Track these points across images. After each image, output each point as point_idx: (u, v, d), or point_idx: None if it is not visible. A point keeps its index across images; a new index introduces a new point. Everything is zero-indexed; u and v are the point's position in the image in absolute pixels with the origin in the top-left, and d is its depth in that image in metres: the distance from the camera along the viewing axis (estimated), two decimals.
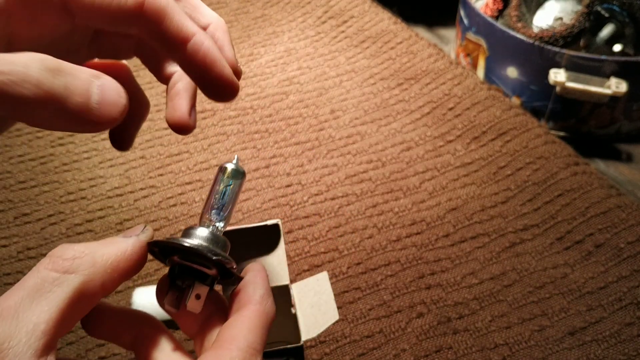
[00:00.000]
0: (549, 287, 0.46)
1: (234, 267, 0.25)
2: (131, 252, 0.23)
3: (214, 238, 0.25)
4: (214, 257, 0.24)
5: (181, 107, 0.26)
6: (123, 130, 0.29)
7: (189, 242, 0.24)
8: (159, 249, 0.25)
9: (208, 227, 0.26)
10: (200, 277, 0.25)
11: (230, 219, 0.27)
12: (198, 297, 0.24)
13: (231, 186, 0.26)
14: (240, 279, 0.25)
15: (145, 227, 0.25)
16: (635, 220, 0.48)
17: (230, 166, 0.26)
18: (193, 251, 0.24)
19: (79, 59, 0.27)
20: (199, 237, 0.25)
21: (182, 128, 0.27)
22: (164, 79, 0.28)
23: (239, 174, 0.27)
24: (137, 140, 0.58)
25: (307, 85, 0.64)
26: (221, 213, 0.26)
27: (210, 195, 0.26)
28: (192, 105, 0.27)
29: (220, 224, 0.26)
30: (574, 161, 0.53)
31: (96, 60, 0.29)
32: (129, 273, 0.24)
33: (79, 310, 0.22)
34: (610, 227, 0.48)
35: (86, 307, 0.22)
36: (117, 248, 0.23)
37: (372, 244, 0.49)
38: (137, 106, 0.30)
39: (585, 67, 0.56)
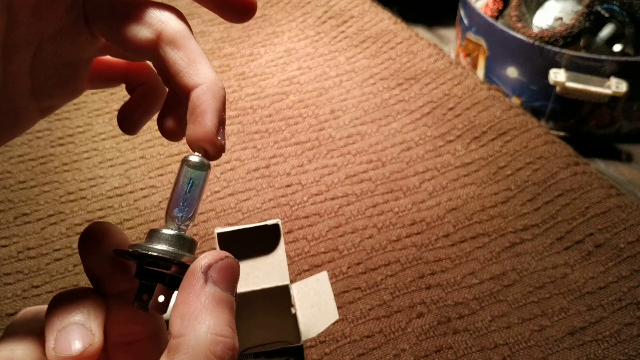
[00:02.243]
0: (549, 287, 0.46)
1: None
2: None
3: (179, 240, 0.24)
4: (175, 261, 0.23)
5: (205, 123, 0.24)
6: (132, 111, 0.29)
7: (152, 248, 0.23)
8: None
9: (173, 228, 0.24)
10: (166, 279, 0.24)
11: (197, 214, 0.26)
12: (161, 299, 0.24)
13: (195, 180, 0.25)
14: None
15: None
16: (635, 220, 0.48)
17: (193, 159, 0.25)
18: (156, 258, 0.23)
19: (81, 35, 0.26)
20: (164, 239, 0.24)
21: (207, 145, 0.24)
22: (183, 91, 0.25)
23: (203, 167, 0.25)
24: (137, 140, 0.58)
25: (307, 85, 0.64)
26: (186, 209, 0.24)
27: (174, 192, 0.25)
28: (221, 122, 0.24)
29: (185, 222, 0.25)
30: (574, 161, 0.53)
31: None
32: None
33: None
34: (610, 227, 0.48)
35: None
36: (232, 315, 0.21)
37: (372, 244, 0.49)
38: (149, 90, 0.29)
39: (585, 67, 0.56)
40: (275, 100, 0.62)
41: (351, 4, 0.72)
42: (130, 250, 0.24)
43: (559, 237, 0.49)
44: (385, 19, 0.70)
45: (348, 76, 0.65)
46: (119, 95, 0.62)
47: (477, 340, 0.43)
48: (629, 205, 0.49)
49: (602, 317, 0.44)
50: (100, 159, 0.57)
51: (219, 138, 0.24)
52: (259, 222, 0.39)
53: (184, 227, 0.25)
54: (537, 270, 0.47)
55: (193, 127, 0.24)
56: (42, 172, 0.55)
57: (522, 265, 0.47)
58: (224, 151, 0.25)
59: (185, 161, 0.25)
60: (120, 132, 0.59)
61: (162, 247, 0.23)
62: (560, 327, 0.43)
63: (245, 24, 0.72)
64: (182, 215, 0.24)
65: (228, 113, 0.61)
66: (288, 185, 0.53)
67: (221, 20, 0.73)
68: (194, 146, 0.24)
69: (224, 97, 0.25)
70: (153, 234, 0.24)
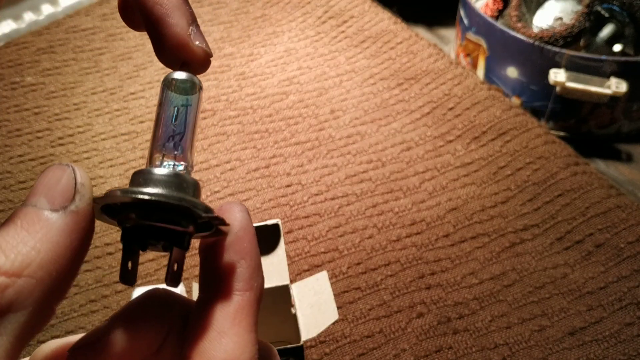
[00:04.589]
0: (549, 287, 0.46)
1: (220, 221, 0.18)
2: (74, 238, 0.16)
3: (179, 181, 0.18)
4: (204, 215, 0.17)
5: (170, 23, 0.18)
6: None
7: (152, 192, 0.16)
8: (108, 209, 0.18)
9: (165, 166, 0.19)
10: (170, 236, 0.18)
11: (193, 153, 0.20)
12: (176, 266, 0.18)
13: (185, 105, 0.19)
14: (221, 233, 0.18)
15: (76, 183, 0.17)
16: (635, 220, 0.48)
17: (179, 76, 0.19)
18: (170, 208, 0.17)
19: None
20: (160, 182, 0.17)
21: (182, 53, 0.19)
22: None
23: (193, 87, 0.19)
24: (137, 140, 0.58)
25: (307, 85, 0.64)
26: (178, 145, 0.19)
27: (158, 123, 0.19)
28: (189, 19, 0.19)
29: (180, 161, 0.19)
30: (574, 161, 0.53)
31: None
32: (79, 264, 0.17)
33: (28, 340, 0.16)
34: (610, 227, 0.48)
35: (37, 332, 0.16)
36: (55, 242, 0.15)
37: (372, 244, 0.49)
38: None
39: (585, 67, 0.56)
40: (275, 100, 0.62)
41: (351, 4, 0.72)
42: (120, 194, 0.16)
43: (559, 237, 0.49)
44: (385, 19, 0.70)
45: (348, 76, 0.65)
46: (119, 95, 0.62)
47: (477, 340, 0.43)
48: (629, 205, 0.49)
49: (602, 317, 0.44)
50: (100, 159, 0.57)
51: (196, 42, 0.19)
52: (259, 222, 0.39)
53: (182, 168, 0.19)
54: (537, 270, 0.47)
55: (156, 37, 0.19)
56: None
57: (522, 265, 0.47)
58: (208, 58, 0.20)
59: (167, 82, 0.19)
60: (120, 132, 0.59)
61: (163, 191, 0.17)
62: (560, 327, 0.43)
63: (245, 24, 0.72)
64: (175, 153, 0.19)
65: (228, 113, 0.61)
66: (288, 185, 0.53)
67: (221, 20, 0.73)
68: (168, 61, 0.19)
69: None
70: (146, 177, 0.18)
